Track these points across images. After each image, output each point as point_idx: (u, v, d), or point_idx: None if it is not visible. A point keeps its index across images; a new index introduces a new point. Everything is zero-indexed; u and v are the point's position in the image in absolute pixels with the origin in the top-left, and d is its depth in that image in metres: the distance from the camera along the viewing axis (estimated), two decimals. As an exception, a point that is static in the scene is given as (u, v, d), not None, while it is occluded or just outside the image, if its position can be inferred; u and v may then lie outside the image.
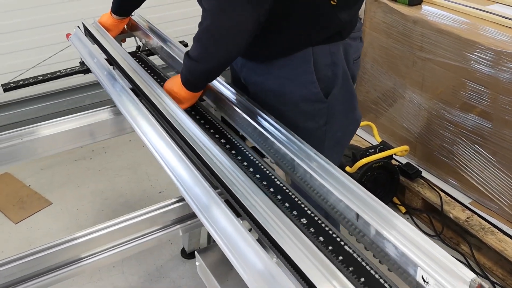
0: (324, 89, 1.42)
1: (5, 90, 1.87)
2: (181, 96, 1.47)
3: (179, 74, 1.47)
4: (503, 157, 2.20)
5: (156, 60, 1.96)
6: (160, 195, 2.80)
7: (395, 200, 2.59)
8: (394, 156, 2.52)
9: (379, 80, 2.76)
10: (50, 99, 3.13)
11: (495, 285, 2.15)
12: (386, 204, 1.01)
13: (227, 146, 1.38)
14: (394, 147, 2.51)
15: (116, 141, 3.16)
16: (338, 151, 1.61)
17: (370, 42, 2.75)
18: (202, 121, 1.50)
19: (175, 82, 1.48)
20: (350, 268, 0.97)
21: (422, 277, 0.89)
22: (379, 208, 1.01)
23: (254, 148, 1.38)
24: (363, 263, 0.99)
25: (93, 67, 1.78)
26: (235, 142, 1.40)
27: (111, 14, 1.95)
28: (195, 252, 1.29)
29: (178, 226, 1.30)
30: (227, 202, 1.11)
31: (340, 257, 1.00)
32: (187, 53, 1.39)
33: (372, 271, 0.96)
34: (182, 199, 1.27)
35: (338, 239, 1.05)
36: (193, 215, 1.28)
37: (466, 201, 2.39)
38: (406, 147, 2.49)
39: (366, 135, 2.88)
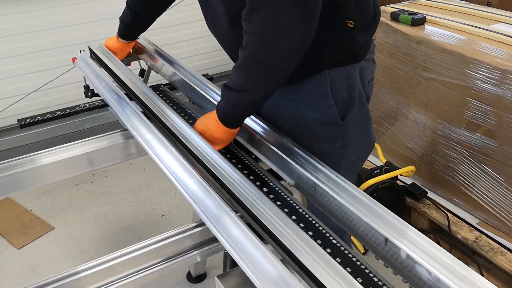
0: (340, 111, 1.41)
1: (21, 127, 1.80)
2: (218, 135, 1.35)
3: (212, 112, 1.37)
4: (510, 176, 2.19)
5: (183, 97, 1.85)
6: (163, 218, 2.77)
7: (401, 220, 2.57)
8: (399, 176, 2.51)
9: (382, 100, 2.77)
10: (51, 123, 3.09)
11: (506, 305, 2.14)
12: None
13: (241, 168, 1.36)
14: (399, 168, 2.50)
15: (117, 165, 3.11)
16: (352, 173, 1.59)
17: (372, 62, 2.76)
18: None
19: (209, 119, 1.37)
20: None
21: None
22: (408, 232, 1.00)
23: (270, 170, 1.37)
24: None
25: (102, 90, 1.76)
26: (250, 164, 1.38)
27: (118, 38, 1.94)
28: (215, 278, 1.27)
29: (196, 252, 1.28)
30: (249, 225, 1.10)
31: (359, 279, 0.99)
32: (225, 85, 1.29)
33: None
34: (201, 224, 1.24)
35: (354, 259, 1.04)
36: (211, 240, 1.26)
37: (473, 221, 2.37)
38: (412, 167, 2.49)
39: (370, 155, 2.87)
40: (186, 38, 3.57)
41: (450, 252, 2.33)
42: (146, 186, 3.04)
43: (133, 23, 1.87)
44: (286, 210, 1.20)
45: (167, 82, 1.90)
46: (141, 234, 2.64)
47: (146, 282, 1.26)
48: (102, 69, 1.90)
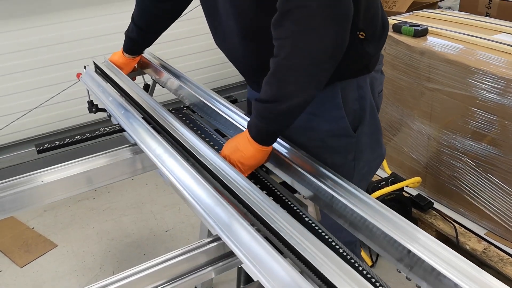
0: (352, 123, 1.40)
1: (39, 152, 1.76)
2: (250, 154, 1.27)
3: (241, 133, 1.31)
4: (517, 185, 2.19)
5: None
6: (168, 234, 2.75)
7: (408, 232, 2.56)
8: (405, 187, 2.50)
9: (385, 112, 2.76)
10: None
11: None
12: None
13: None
14: (404, 179, 2.49)
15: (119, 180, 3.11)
16: (363, 186, 1.58)
17: (374, 74, 2.76)
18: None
19: (239, 139, 1.29)
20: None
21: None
22: (429, 243, 0.99)
23: (283, 183, 1.36)
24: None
25: (109, 105, 1.75)
26: (261, 177, 1.37)
27: (123, 53, 1.94)
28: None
29: (210, 268, 1.25)
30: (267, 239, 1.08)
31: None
32: (257, 99, 1.22)
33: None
34: (217, 239, 1.22)
35: (365, 272, 1.05)
36: (227, 255, 1.24)
37: (480, 231, 2.37)
38: (418, 178, 2.48)
39: (375, 167, 2.87)
40: (189, 52, 3.57)
41: (458, 263, 2.33)
42: (149, 201, 3.02)
43: (139, 38, 1.86)
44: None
45: (187, 105, 1.85)
46: (146, 250, 2.61)
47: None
48: (108, 83, 1.88)
